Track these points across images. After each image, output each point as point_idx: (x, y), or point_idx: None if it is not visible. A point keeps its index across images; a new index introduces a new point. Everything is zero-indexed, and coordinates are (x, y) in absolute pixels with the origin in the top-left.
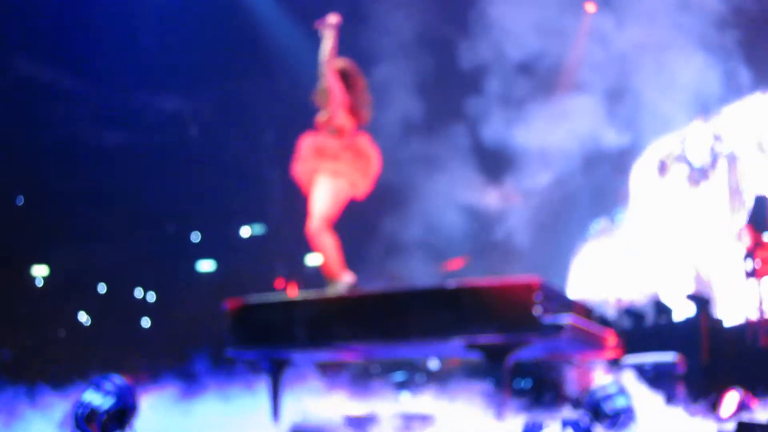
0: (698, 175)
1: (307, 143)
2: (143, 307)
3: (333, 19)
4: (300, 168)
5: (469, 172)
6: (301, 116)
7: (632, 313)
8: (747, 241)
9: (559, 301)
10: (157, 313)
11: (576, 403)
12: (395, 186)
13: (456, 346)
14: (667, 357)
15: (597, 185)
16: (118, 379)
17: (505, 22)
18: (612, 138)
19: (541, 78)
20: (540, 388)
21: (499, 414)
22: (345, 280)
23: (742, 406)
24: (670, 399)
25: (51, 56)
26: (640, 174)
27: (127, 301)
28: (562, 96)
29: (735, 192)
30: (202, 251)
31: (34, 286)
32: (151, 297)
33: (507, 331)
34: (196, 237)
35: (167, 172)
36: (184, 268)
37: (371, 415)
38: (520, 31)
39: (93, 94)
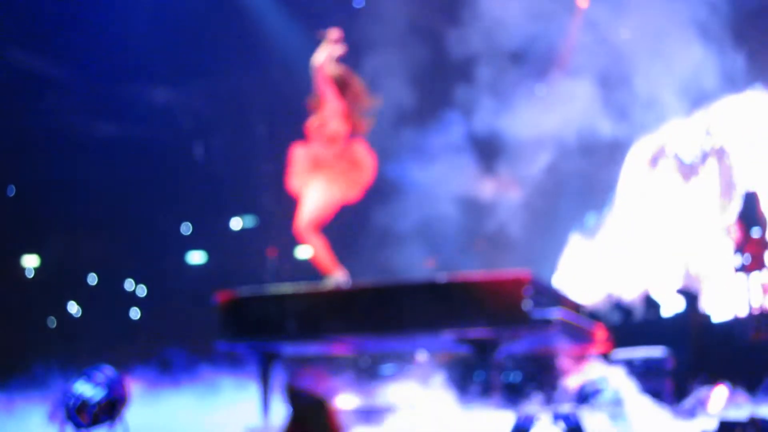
0: (688, 170)
1: (298, 154)
2: (133, 298)
3: (334, 34)
4: (294, 181)
5: (461, 162)
6: (293, 109)
7: (621, 308)
8: (736, 236)
9: (548, 295)
10: (147, 305)
11: (566, 397)
12: (387, 177)
13: (446, 340)
14: (656, 352)
15: (589, 175)
16: (108, 370)
17: (496, 11)
18: (604, 128)
19: (533, 67)
20: (529, 382)
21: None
22: (336, 278)
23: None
24: (659, 394)
25: (42, 47)
26: (630, 168)
27: (117, 292)
28: (555, 85)
29: (725, 187)
30: (193, 243)
31: (25, 276)
32: (142, 288)
33: (497, 325)
34: (186, 229)
35: (158, 164)
36: (175, 260)
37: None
38: (512, 19)
39: (84, 85)
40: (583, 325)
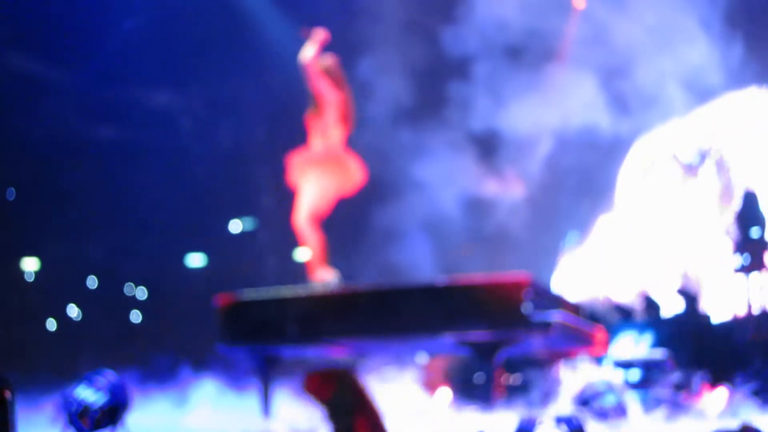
0: (687, 170)
1: (297, 156)
2: (133, 301)
3: (320, 34)
4: (292, 177)
5: (460, 160)
6: (291, 112)
7: (621, 310)
8: (735, 236)
9: (548, 297)
10: (148, 308)
11: (568, 400)
12: (385, 176)
13: (446, 343)
14: (656, 353)
15: (588, 172)
16: (110, 375)
17: (495, 7)
18: (603, 125)
19: (532, 63)
20: (530, 385)
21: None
22: (324, 277)
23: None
24: (658, 395)
25: (41, 51)
26: (629, 168)
27: (117, 296)
28: (554, 81)
29: (724, 187)
30: (192, 246)
31: (25, 279)
32: (142, 291)
33: (496, 327)
34: (186, 232)
35: (157, 167)
36: (175, 263)
37: None
38: (511, 14)
39: (83, 88)
40: (583, 328)
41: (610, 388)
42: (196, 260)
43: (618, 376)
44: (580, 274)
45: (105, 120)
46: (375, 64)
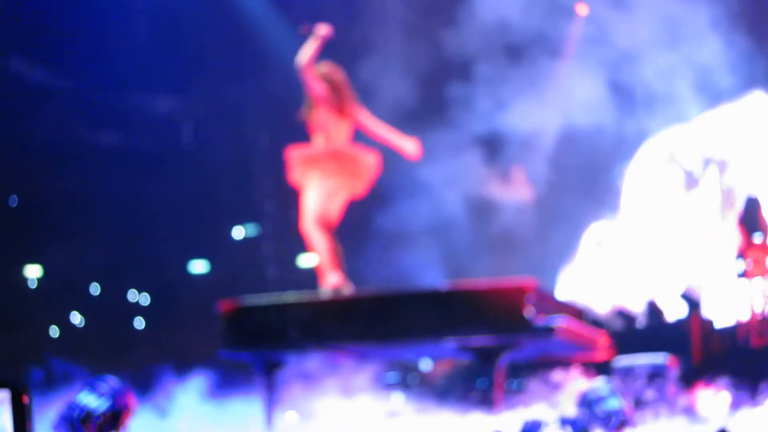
0: (690, 176)
1: (294, 155)
2: (136, 308)
3: (323, 30)
4: (293, 176)
5: (465, 162)
6: (293, 117)
7: (624, 315)
8: (738, 242)
9: (551, 303)
10: (151, 314)
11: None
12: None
13: (449, 348)
14: (659, 358)
15: (593, 175)
16: (112, 381)
17: (497, 8)
18: (608, 127)
19: (536, 65)
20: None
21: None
22: (331, 280)
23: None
24: (661, 400)
25: (43, 57)
26: (634, 175)
27: (120, 302)
28: (559, 82)
29: (726, 193)
30: (195, 252)
31: (27, 286)
32: (145, 297)
33: (499, 332)
34: (189, 238)
35: (160, 173)
36: (177, 269)
37: None
38: (514, 15)
39: (85, 95)
40: (586, 333)
41: (612, 392)
42: (199, 267)
43: (621, 380)
44: (583, 280)
45: (107, 126)
46: (378, 66)
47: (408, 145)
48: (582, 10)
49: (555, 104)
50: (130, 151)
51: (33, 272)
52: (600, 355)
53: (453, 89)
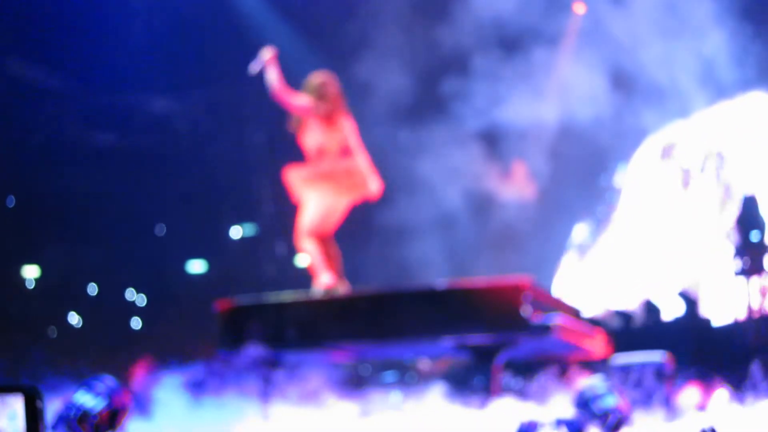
0: (688, 174)
1: (292, 175)
2: (134, 308)
3: (267, 54)
4: (294, 192)
5: (465, 156)
6: (290, 116)
7: (621, 314)
8: (736, 240)
9: (548, 301)
10: (148, 314)
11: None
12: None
13: (446, 346)
14: (656, 357)
15: (592, 168)
16: (109, 380)
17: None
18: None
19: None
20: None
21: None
22: (324, 280)
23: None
24: (658, 399)
25: (40, 57)
26: (630, 172)
27: (117, 302)
28: (558, 77)
29: (724, 191)
30: (193, 252)
31: (25, 287)
32: (142, 298)
33: (496, 331)
34: (186, 238)
35: (157, 173)
36: (175, 269)
37: None
38: (510, 10)
39: (83, 95)
40: (583, 331)
41: (609, 390)
42: (196, 266)
43: (617, 379)
44: (581, 278)
45: (105, 127)
46: (377, 63)
47: (372, 184)
48: (579, 9)
49: (554, 97)
50: (127, 151)
51: (31, 273)
52: (597, 354)
53: (451, 83)
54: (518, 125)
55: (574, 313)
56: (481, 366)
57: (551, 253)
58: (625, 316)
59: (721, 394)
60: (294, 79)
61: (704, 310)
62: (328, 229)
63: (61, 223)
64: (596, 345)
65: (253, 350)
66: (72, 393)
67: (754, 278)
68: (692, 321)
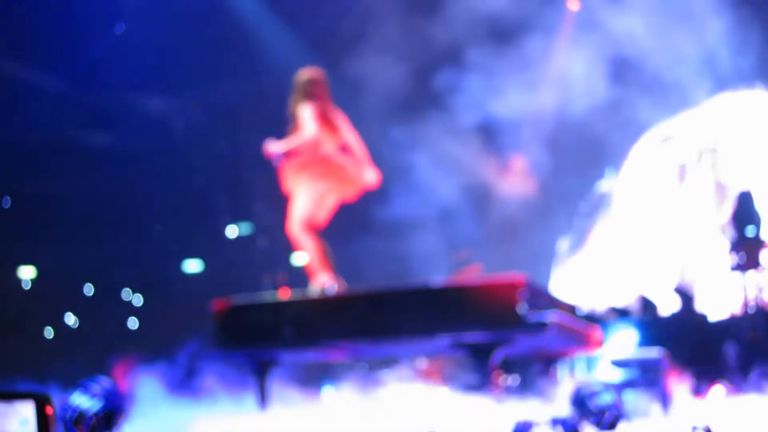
0: (683, 169)
1: (286, 166)
2: (130, 307)
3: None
4: (285, 185)
5: (462, 150)
6: (286, 116)
7: (617, 310)
8: (731, 235)
9: (544, 298)
10: (145, 314)
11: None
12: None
13: (442, 345)
14: (652, 352)
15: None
16: (105, 382)
17: None
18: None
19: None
20: (526, 386)
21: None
22: (320, 279)
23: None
24: (654, 395)
25: (35, 57)
26: (626, 167)
27: (114, 302)
28: (554, 69)
29: (719, 186)
30: (189, 252)
31: (21, 287)
32: (138, 298)
33: (492, 328)
34: (182, 237)
35: (153, 173)
36: (171, 269)
37: None
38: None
39: (78, 95)
40: (579, 328)
41: (605, 387)
42: (192, 266)
43: (614, 376)
44: (577, 274)
45: (100, 126)
46: (374, 58)
47: (369, 175)
48: (573, 5)
49: (551, 89)
50: (122, 151)
51: (27, 273)
52: (593, 350)
53: (446, 78)
54: (515, 116)
55: (571, 309)
56: (478, 364)
57: (550, 247)
58: (621, 313)
59: (718, 390)
60: (286, 76)
61: (700, 306)
62: (320, 220)
63: (57, 223)
64: (592, 341)
65: (251, 350)
66: (68, 394)
67: (750, 273)
68: (688, 317)
